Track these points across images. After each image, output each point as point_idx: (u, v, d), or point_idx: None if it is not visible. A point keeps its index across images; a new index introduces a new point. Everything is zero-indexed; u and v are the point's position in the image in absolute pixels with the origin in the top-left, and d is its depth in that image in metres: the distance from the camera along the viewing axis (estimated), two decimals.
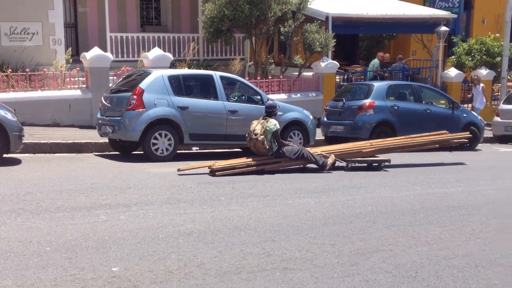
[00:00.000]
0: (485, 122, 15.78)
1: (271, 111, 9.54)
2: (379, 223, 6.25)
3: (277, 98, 13.58)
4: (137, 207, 6.54)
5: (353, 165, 9.97)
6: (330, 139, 13.71)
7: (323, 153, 9.89)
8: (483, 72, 18.60)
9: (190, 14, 19.35)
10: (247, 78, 14.95)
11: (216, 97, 10.69)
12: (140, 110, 9.96)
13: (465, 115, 14.22)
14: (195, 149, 11.92)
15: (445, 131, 11.45)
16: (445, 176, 9.73)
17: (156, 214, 6.26)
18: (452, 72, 18.32)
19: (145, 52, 15.32)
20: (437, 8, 20.37)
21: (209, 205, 6.81)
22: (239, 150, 12.12)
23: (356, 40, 21.86)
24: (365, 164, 10.12)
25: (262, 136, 9.21)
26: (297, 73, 16.26)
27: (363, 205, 7.10)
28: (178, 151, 10.71)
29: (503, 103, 16.70)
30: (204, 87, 10.88)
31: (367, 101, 12.95)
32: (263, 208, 6.77)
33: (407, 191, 8.21)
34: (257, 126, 9.37)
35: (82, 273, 4.35)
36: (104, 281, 4.21)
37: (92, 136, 11.51)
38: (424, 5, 20.80)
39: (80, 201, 6.71)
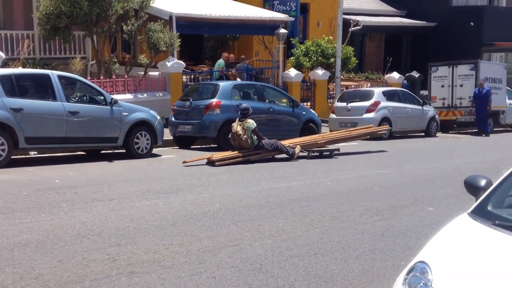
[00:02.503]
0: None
1: (245, 113, 11.34)
2: (226, 220, 6.36)
3: (122, 98, 13.20)
4: None
5: (312, 154, 11.95)
6: (179, 139, 13.68)
7: (290, 145, 11.66)
8: (319, 72, 19.89)
9: (24, 9, 18.00)
10: (89, 78, 14.33)
11: (54, 98, 10.07)
12: None
13: (304, 112, 15.05)
14: (33, 154, 11.13)
15: (371, 125, 14.70)
16: (288, 170, 10.22)
17: None
18: (292, 72, 19.31)
19: None
20: (276, 11, 21.31)
21: (48, 212, 6.39)
22: (83, 153, 11.58)
23: (202, 40, 22.09)
24: (321, 153, 12.21)
25: (245, 136, 11.01)
26: (143, 73, 15.97)
27: (211, 203, 7.18)
28: (13, 157, 9.91)
29: (337, 101, 18.01)
30: (41, 88, 10.20)
31: (213, 101, 13.13)
32: (108, 212, 6.53)
33: (253, 186, 8.47)
34: (238, 128, 11.16)
35: None
36: None
37: None
38: (264, 8, 21.63)
39: None
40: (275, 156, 11.50)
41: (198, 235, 5.68)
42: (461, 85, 20.39)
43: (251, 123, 11.13)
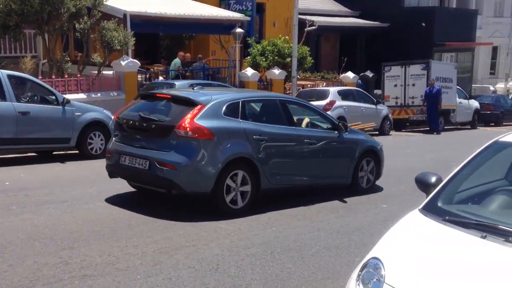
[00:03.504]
0: None
1: None
2: (183, 220, 6.30)
3: (75, 98, 12.90)
4: None
5: None
6: None
7: None
8: (276, 71, 19.98)
9: None
10: (41, 77, 13.93)
11: (4, 98, 9.72)
12: None
13: None
14: None
15: (359, 122, 15.87)
16: None
17: None
18: (249, 72, 19.32)
19: None
20: (232, 10, 21.27)
21: None
22: (34, 154, 11.27)
23: (157, 39, 21.85)
24: None
25: None
26: (97, 72, 15.65)
27: (168, 203, 7.10)
28: None
29: None
30: None
31: None
32: (61, 214, 6.37)
33: None
34: None
35: None
36: None
37: None
38: (220, 7, 21.58)
39: None
40: None
41: (154, 236, 5.61)
42: (413, 85, 20.89)
43: None
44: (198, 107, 6.60)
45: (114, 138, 7.27)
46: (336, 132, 7.99)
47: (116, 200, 7.19)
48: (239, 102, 7.02)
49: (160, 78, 16.95)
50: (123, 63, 15.71)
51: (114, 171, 7.13)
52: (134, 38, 15.67)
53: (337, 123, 8.15)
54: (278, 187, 7.23)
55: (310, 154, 7.57)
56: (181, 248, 5.27)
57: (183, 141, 6.44)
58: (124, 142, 6.93)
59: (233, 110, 6.87)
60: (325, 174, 7.88)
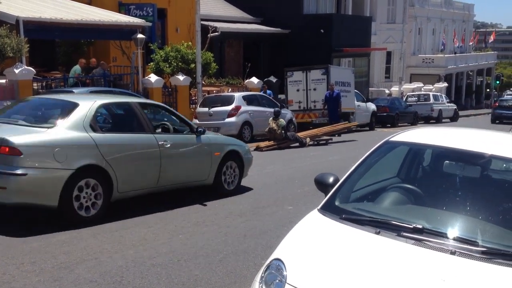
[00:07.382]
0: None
1: (278, 114, 15.95)
2: (84, 233, 6.06)
3: None
4: None
5: (315, 142, 16.53)
6: None
7: (302, 136, 16.30)
8: (180, 78, 19.82)
9: None
10: None
11: None
12: None
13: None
14: None
15: (346, 122, 20.09)
16: None
17: None
18: (153, 78, 19.02)
19: None
20: (132, 16, 20.82)
21: None
22: None
23: (54, 45, 20.93)
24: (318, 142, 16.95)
25: (279, 131, 15.50)
26: None
27: None
28: None
29: (199, 107, 18.09)
30: None
31: None
32: None
33: None
34: (273, 124, 15.58)
35: None
36: None
37: None
38: (119, 12, 21.06)
39: None
40: (290, 145, 15.69)
41: (53, 252, 5.35)
42: (314, 89, 21.57)
43: (282, 121, 15.86)
44: None
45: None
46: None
47: (11, 216, 6.78)
48: None
49: None
50: (16, 71, 14.93)
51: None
52: (28, 45, 14.93)
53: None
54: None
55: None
56: (82, 262, 5.06)
57: None
58: None
59: None
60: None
